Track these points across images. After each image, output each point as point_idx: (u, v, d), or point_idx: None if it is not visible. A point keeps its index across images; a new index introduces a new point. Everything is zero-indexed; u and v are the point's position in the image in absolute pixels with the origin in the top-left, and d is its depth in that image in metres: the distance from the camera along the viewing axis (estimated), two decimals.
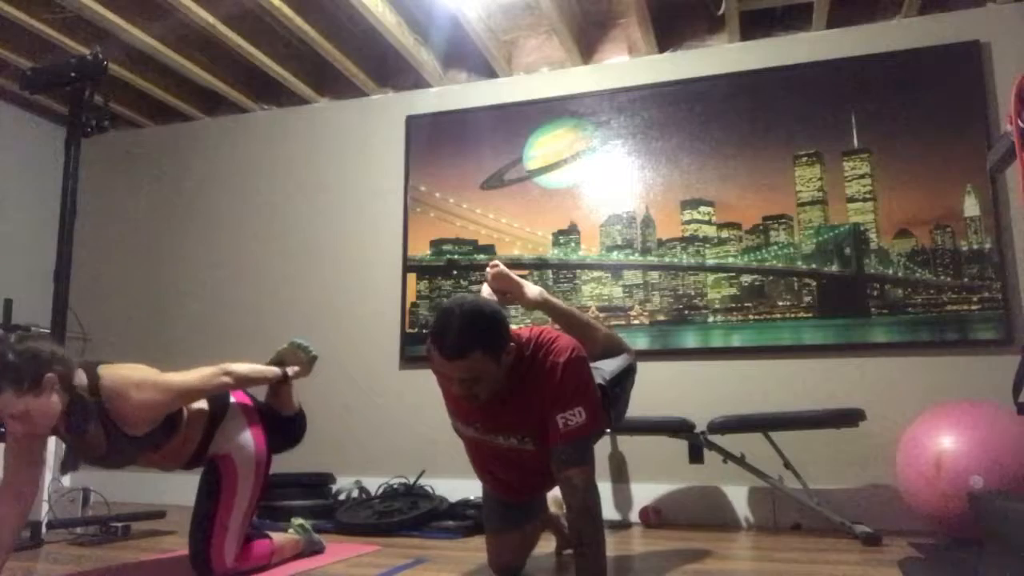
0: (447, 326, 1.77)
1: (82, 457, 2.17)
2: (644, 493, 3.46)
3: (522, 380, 1.92)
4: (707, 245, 3.64)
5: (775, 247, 3.55)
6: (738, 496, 3.37)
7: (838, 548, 2.67)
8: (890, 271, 3.38)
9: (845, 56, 3.55)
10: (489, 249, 3.95)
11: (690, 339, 3.58)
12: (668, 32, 3.88)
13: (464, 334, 1.76)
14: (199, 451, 2.26)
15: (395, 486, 3.57)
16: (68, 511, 2.88)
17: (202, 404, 2.25)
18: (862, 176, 3.47)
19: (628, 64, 3.91)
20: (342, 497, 3.64)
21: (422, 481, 3.66)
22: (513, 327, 1.94)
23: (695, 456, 3.12)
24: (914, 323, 3.31)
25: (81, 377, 1.98)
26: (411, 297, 4.02)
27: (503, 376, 1.87)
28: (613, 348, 2.32)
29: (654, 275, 3.69)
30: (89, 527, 2.98)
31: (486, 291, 2.32)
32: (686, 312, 3.61)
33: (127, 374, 2.03)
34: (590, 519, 1.84)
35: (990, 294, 3.23)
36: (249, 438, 2.30)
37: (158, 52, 3.86)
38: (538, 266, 3.87)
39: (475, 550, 2.64)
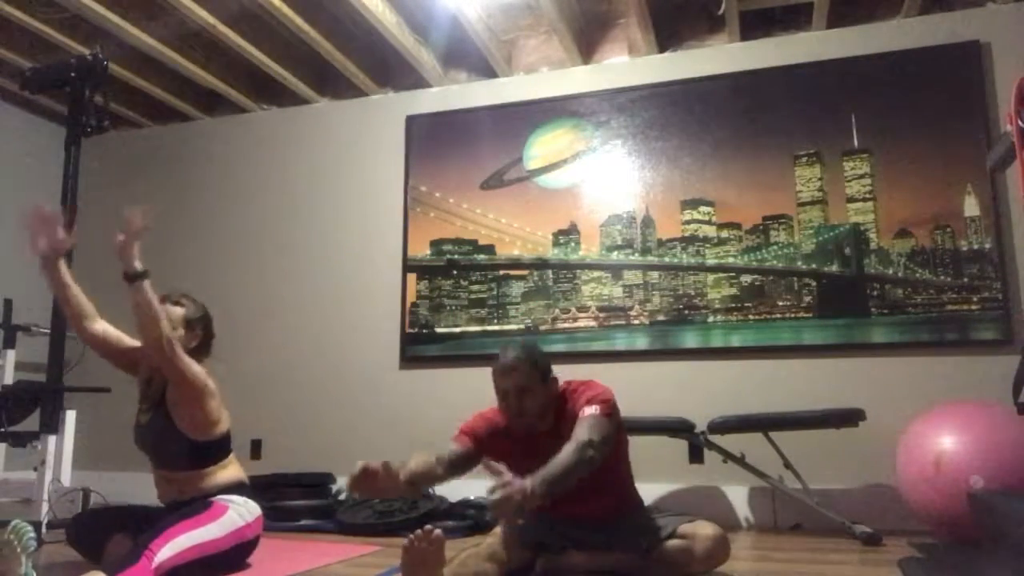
0: (505, 348, 2.20)
1: None
2: (644, 493, 3.43)
3: (562, 414, 2.15)
4: (707, 245, 3.63)
5: (775, 247, 3.55)
6: (738, 496, 3.37)
7: (838, 548, 2.67)
8: (890, 271, 3.38)
9: (845, 56, 3.55)
10: (489, 249, 3.95)
11: (690, 339, 3.58)
12: (668, 32, 3.88)
13: (516, 349, 2.18)
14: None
15: None
16: (68, 511, 2.88)
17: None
18: (862, 176, 3.47)
19: (628, 64, 3.91)
20: (342, 497, 3.64)
21: None
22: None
23: (695, 456, 3.12)
24: (914, 323, 3.31)
25: None
26: (411, 297, 4.02)
27: (547, 407, 2.15)
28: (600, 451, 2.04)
29: (654, 275, 3.69)
30: None
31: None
32: (686, 312, 3.61)
33: None
34: (579, 455, 1.92)
35: (990, 294, 3.23)
36: (253, 511, 2.31)
37: (158, 52, 3.86)
38: (538, 266, 3.87)
39: None
